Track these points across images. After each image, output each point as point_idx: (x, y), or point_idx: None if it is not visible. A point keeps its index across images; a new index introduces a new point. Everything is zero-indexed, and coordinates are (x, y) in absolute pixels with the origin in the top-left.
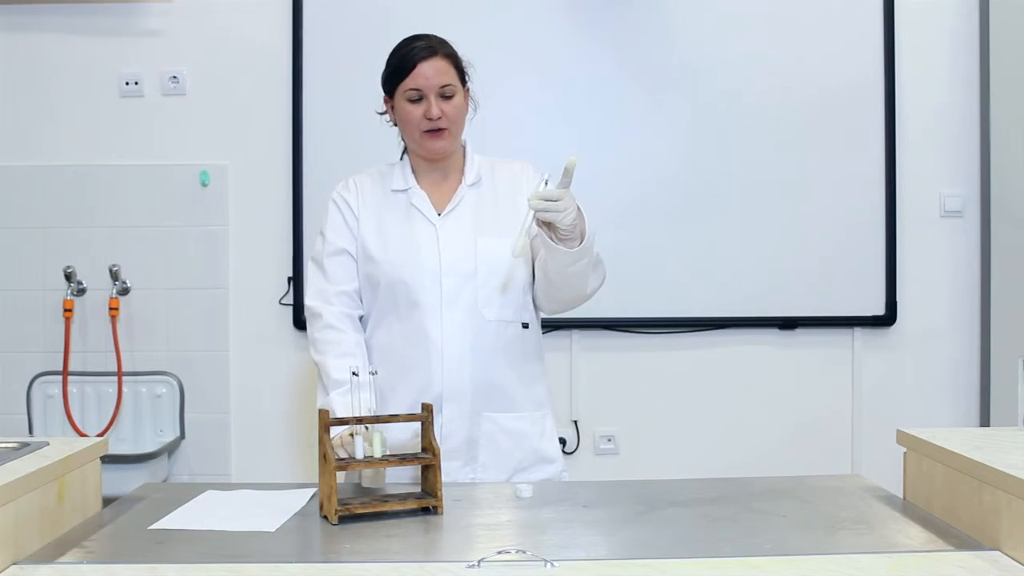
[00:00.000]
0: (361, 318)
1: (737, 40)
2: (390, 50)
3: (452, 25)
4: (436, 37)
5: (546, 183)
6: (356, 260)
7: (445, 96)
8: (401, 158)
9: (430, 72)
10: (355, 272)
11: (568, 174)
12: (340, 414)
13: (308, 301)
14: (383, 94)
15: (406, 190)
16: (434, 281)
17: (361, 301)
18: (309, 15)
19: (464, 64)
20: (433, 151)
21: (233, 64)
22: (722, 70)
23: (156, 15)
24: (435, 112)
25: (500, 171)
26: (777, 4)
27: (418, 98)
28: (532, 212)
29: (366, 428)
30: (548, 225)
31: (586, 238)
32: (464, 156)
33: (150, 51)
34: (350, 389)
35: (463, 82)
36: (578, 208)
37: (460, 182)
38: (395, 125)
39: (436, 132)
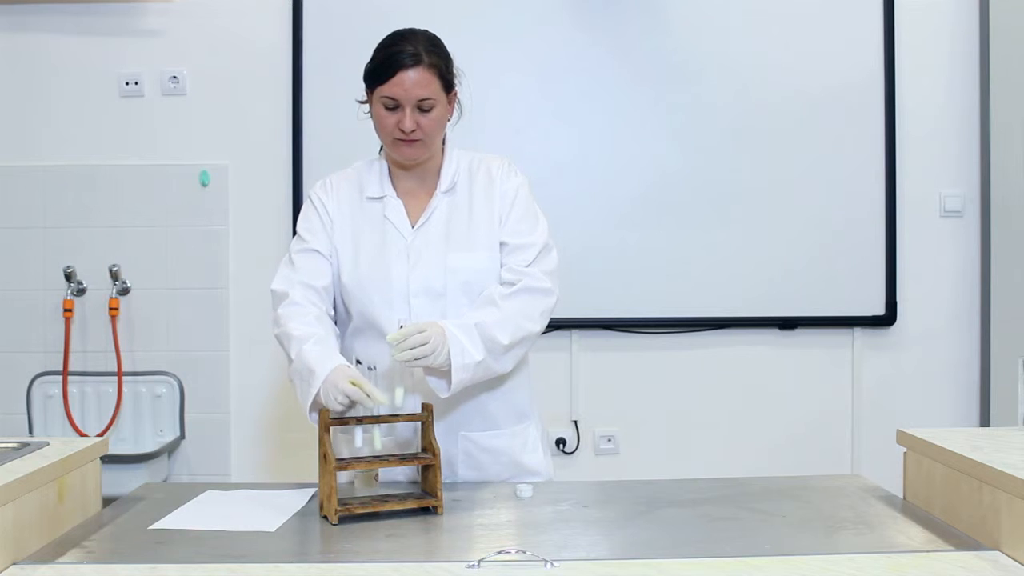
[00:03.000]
0: (336, 321)
1: (737, 40)
2: None
3: (451, 24)
4: (426, 39)
5: (367, 365)
6: (328, 261)
7: (422, 109)
8: (380, 154)
9: (409, 83)
10: (325, 271)
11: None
12: (317, 365)
13: (273, 285)
14: (364, 85)
15: (381, 198)
16: (403, 300)
17: (332, 300)
18: (309, 15)
19: (453, 70)
20: (403, 158)
21: (233, 64)
22: (722, 70)
23: (156, 15)
24: (408, 125)
25: (477, 172)
26: (777, 4)
27: (394, 106)
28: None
29: (367, 366)
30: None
31: (453, 383)
32: (443, 156)
33: (150, 51)
34: (321, 340)
35: (448, 88)
36: (446, 342)
37: (436, 188)
38: (372, 119)
39: (408, 141)
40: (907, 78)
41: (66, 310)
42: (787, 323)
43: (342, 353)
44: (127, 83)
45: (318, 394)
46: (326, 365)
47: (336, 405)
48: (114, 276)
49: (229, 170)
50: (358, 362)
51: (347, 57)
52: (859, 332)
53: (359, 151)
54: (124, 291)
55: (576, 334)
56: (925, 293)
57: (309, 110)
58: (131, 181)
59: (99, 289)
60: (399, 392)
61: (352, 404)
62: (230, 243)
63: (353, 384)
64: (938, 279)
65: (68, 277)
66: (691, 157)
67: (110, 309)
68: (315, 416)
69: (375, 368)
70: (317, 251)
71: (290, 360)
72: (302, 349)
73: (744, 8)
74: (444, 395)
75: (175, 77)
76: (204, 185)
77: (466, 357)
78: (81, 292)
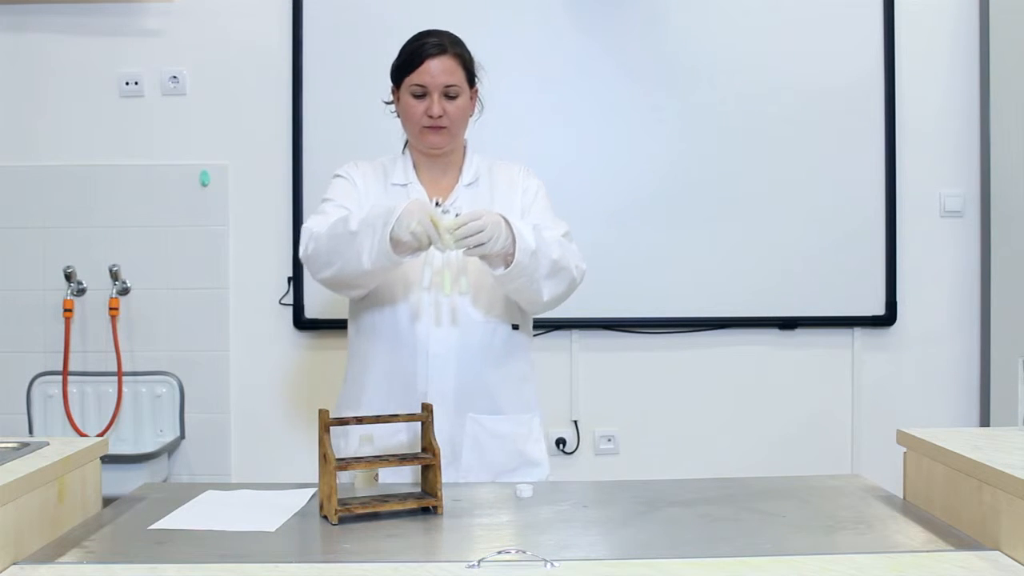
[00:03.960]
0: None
1: (737, 40)
2: (390, 50)
3: (452, 25)
4: (450, 35)
5: (442, 208)
6: None
7: (449, 96)
8: (403, 151)
9: (436, 70)
10: None
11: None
12: (396, 202)
13: (306, 224)
14: (391, 84)
15: (405, 185)
16: (422, 282)
17: None
18: (309, 15)
19: (475, 65)
20: (431, 145)
21: (233, 64)
22: (722, 70)
23: (156, 15)
24: (436, 111)
25: (498, 173)
26: (777, 4)
27: (422, 94)
28: (459, 252)
29: (441, 210)
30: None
31: (514, 262)
32: (464, 155)
33: (150, 51)
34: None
35: (471, 83)
36: (507, 225)
37: (458, 181)
38: (399, 116)
39: (435, 128)
40: (907, 78)
41: (66, 310)
42: (787, 323)
43: (353, 324)
44: (127, 83)
45: (394, 226)
46: (406, 201)
47: (407, 235)
48: (114, 276)
49: (229, 170)
50: (437, 203)
51: (347, 57)
52: (859, 332)
53: (359, 151)
54: (124, 291)
55: (576, 334)
56: (925, 293)
57: (309, 110)
58: (131, 181)
59: (99, 289)
60: (463, 281)
61: (418, 245)
62: (230, 243)
63: (430, 220)
64: (938, 279)
65: (68, 277)
66: (691, 157)
67: (110, 309)
68: (397, 254)
69: (449, 211)
70: (349, 210)
71: (351, 233)
72: (374, 204)
73: (744, 8)
74: (498, 273)
75: (175, 77)
76: (204, 185)
77: (526, 243)
78: (81, 292)
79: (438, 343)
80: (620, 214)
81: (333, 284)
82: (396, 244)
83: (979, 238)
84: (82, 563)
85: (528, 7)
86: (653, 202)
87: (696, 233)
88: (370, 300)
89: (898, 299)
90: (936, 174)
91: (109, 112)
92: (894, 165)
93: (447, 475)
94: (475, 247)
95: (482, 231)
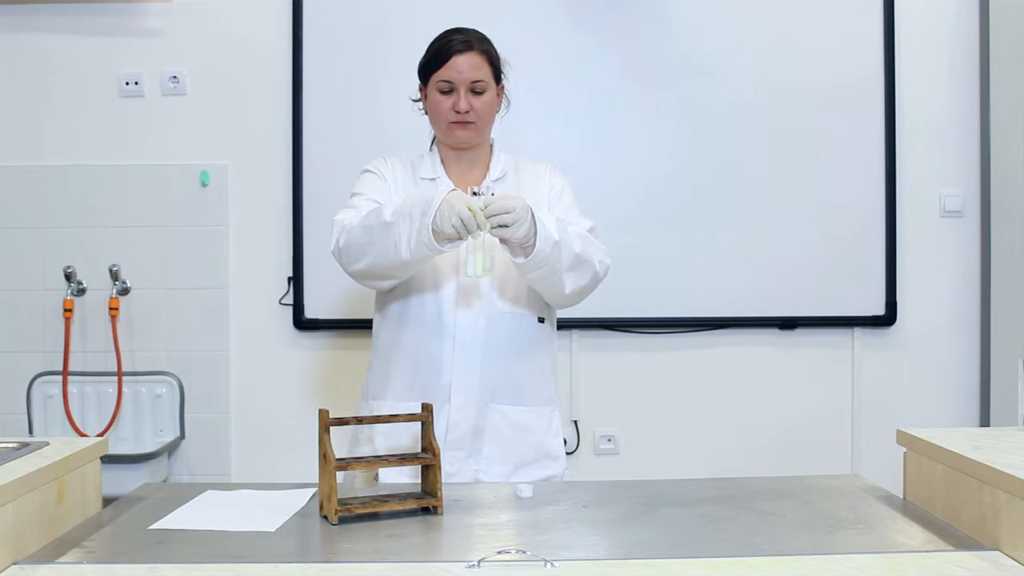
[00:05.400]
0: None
1: (737, 40)
2: (390, 50)
3: (452, 25)
4: (476, 32)
5: (476, 193)
6: None
7: (476, 91)
8: (431, 148)
9: (463, 66)
10: None
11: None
12: (434, 192)
13: (337, 217)
14: (418, 81)
15: (434, 179)
16: (451, 270)
17: None
18: (309, 15)
19: (501, 62)
20: (458, 140)
21: (233, 64)
22: (722, 70)
23: (156, 15)
24: (463, 106)
25: (524, 170)
26: (777, 4)
27: (449, 90)
28: (486, 233)
29: (476, 193)
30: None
31: (535, 251)
32: (491, 152)
33: (150, 51)
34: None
35: (497, 79)
36: (532, 217)
37: (485, 177)
38: (426, 113)
39: (462, 123)
40: (907, 78)
41: (66, 310)
42: (787, 323)
43: (379, 312)
44: (127, 83)
45: (435, 217)
46: (443, 191)
47: (448, 227)
48: (114, 276)
49: (229, 170)
50: (475, 192)
51: (347, 57)
52: (859, 332)
53: (359, 150)
54: (124, 291)
55: (576, 334)
56: (925, 293)
57: (309, 110)
58: (131, 181)
59: (99, 289)
60: (489, 261)
61: (458, 235)
62: (230, 243)
63: (468, 209)
64: (938, 279)
65: (68, 277)
66: (691, 157)
67: (110, 309)
68: (435, 243)
69: (483, 195)
70: (379, 203)
71: (386, 224)
72: (407, 194)
73: (744, 8)
74: (519, 261)
75: (175, 77)
76: (204, 185)
77: (548, 233)
78: (81, 292)
79: (464, 330)
80: (620, 214)
81: (365, 276)
82: (436, 234)
83: (979, 238)
84: (82, 563)
85: (528, 7)
86: (653, 202)
87: (696, 233)
88: (398, 286)
89: (898, 299)
90: (936, 174)
91: (109, 112)
92: (894, 165)
93: (467, 467)
94: (499, 227)
95: (510, 212)
